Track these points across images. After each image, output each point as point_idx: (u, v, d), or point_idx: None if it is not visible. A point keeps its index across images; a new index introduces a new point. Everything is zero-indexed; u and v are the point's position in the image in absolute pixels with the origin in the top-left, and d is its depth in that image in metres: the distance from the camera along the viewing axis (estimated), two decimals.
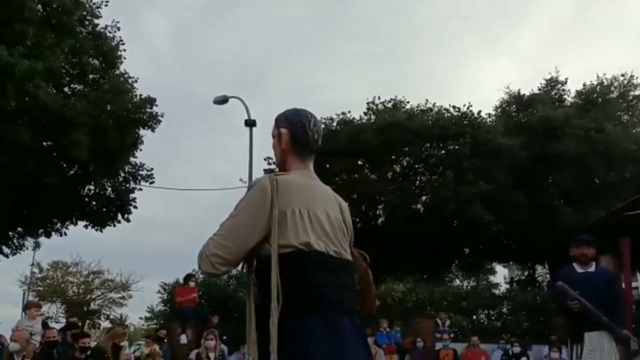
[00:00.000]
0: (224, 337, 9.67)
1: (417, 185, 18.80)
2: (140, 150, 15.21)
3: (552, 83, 21.89)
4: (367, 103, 19.95)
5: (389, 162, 18.56)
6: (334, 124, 19.34)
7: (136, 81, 14.88)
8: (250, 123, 15.99)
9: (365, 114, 19.80)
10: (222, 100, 16.01)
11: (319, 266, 2.02)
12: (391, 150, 18.00)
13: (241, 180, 17.64)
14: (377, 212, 19.10)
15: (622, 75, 20.97)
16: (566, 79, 21.95)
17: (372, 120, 19.12)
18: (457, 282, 29.39)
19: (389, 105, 19.85)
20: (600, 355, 4.90)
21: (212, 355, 8.39)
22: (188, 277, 10.28)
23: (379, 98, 20.04)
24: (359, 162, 18.30)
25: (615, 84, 21.05)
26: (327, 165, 17.91)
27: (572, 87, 21.94)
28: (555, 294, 5.44)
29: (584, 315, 4.96)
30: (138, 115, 14.22)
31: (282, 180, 2.08)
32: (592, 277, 5.23)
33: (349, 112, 19.61)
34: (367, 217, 18.88)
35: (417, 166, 18.88)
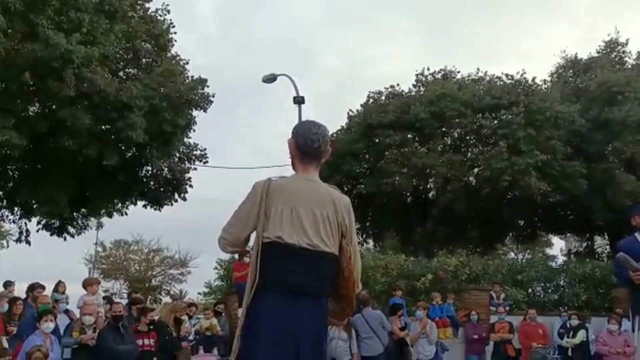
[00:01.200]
0: None
1: (469, 157, 18.48)
2: (194, 130, 15.54)
3: (612, 45, 20.86)
4: (416, 75, 19.68)
5: (439, 134, 18.29)
6: (383, 97, 19.19)
7: (187, 63, 15.19)
8: (299, 100, 16.06)
9: (414, 86, 19.56)
10: (271, 79, 16.14)
11: (286, 255, 2.55)
12: (441, 122, 17.73)
13: None
14: (428, 186, 18.94)
15: None
16: (627, 40, 20.95)
17: (422, 93, 18.84)
18: (512, 255, 28.92)
19: (439, 76, 19.50)
20: None
21: None
22: (243, 253, 10.58)
23: (428, 69, 19.75)
24: (409, 136, 18.10)
25: None
26: (377, 140, 17.84)
27: (634, 49, 20.80)
28: (616, 266, 5.30)
29: None
30: (190, 96, 14.48)
31: (274, 183, 2.66)
32: None
33: (398, 85, 19.42)
34: (417, 190, 18.76)
35: (468, 138, 18.53)
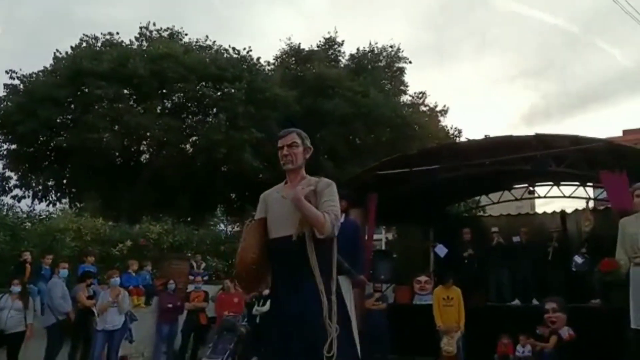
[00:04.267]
0: None
1: (188, 124, 17.95)
2: None
3: (330, 43, 22.64)
4: (140, 28, 18.30)
5: (159, 95, 17.27)
6: (99, 44, 17.25)
7: None
8: None
9: (136, 39, 18.13)
10: None
11: None
12: (162, 83, 16.70)
13: None
14: (141, 148, 17.79)
15: (391, 46, 22.72)
16: (343, 41, 22.79)
17: (144, 48, 17.52)
18: (222, 226, 29.62)
19: (165, 34, 18.47)
20: None
21: None
22: None
23: (154, 25, 18.56)
24: (125, 91, 16.57)
25: (384, 53, 22.71)
26: (86, 90, 15.86)
27: (348, 50, 23.04)
28: None
29: None
30: None
31: None
32: (341, 227, 5.41)
33: (117, 33, 17.71)
34: (128, 152, 17.46)
35: (189, 104, 17.97)
